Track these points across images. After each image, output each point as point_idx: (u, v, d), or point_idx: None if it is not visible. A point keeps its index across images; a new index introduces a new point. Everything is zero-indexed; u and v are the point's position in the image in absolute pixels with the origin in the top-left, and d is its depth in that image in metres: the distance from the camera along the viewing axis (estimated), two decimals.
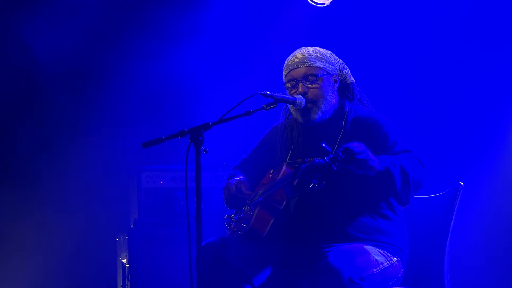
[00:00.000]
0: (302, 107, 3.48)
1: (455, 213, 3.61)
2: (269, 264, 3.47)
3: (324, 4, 5.45)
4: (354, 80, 3.66)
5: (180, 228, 5.04)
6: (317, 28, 5.72)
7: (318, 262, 3.24)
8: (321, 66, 3.52)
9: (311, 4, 5.44)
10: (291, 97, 3.47)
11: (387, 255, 3.38)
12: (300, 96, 3.48)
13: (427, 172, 3.37)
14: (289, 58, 3.59)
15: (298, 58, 3.54)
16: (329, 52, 3.61)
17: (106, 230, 5.88)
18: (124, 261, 5.26)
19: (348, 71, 3.64)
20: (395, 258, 3.41)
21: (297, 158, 3.56)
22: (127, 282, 5.10)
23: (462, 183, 3.62)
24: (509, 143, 5.37)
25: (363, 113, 3.55)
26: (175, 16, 5.96)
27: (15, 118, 5.91)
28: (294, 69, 3.53)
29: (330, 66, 3.55)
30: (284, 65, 3.60)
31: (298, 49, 3.60)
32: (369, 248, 3.33)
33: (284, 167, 3.49)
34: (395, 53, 5.61)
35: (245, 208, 3.56)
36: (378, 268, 3.28)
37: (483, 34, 5.39)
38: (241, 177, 3.71)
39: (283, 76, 3.60)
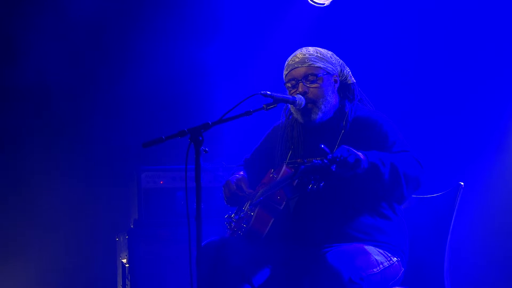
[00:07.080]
0: (302, 107, 3.48)
1: (455, 213, 3.60)
2: (269, 264, 3.47)
3: (324, 4, 5.45)
4: (354, 81, 3.65)
5: (180, 228, 5.03)
6: (317, 28, 5.72)
7: (318, 262, 3.23)
8: (322, 66, 3.52)
9: (311, 4, 5.44)
10: (291, 97, 3.47)
11: (387, 255, 3.38)
12: (300, 96, 3.47)
13: (425, 171, 3.36)
14: (289, 58, 3.59)
15: (298, 57, 3.54)
16: (329, 52, 3.60)
17: (106, 230, 5.88)
18: (124, 261, 5.26)
19: (348, 72, 3.64)
20: (395, 258, 3.41)
21: (297, 158, 3.55)
22: (127, 282, 5.10)
23: (462, 183, 3.62)
24: (509, 143, 5.36)
25: (363, 113, 3.55)
26: (174, 17, 5.96)
27: (15, 118, 5.91)
28: (294, 68, 3.53)
29: (330, 66, 3.54)
30: (285, 65, 3.60)
31: (299, 49, 3.59)
32: (369, 248, 3.33)
33: (284, 167, 3.49)
34: (395, 53, 5.62)
35: (245, 208, 3.56)
36: (378, 268, 3.27)
37: (483, 35, 5.39)
38: (241, 173, 3.72)
39: (284, 76, 3.60)
